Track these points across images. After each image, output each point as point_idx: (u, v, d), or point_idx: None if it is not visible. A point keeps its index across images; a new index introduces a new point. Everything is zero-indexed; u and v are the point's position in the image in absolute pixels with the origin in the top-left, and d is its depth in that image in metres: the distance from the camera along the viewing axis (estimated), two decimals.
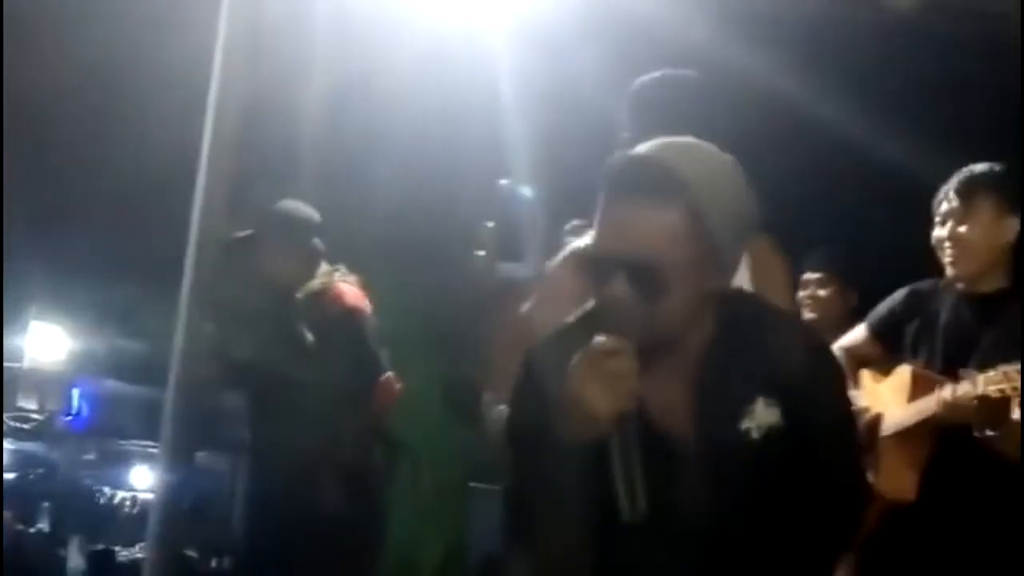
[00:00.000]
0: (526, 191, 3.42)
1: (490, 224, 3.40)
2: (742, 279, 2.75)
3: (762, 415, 2.15)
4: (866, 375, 3.74)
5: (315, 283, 4.84)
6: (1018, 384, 3.15)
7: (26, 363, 8.55)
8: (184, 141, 4.28)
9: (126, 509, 8.62)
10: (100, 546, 8.25)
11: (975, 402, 3.22)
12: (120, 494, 8.69)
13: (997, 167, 3.59)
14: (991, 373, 3.21)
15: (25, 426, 8.27)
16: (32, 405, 8.54)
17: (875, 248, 5.40)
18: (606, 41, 5.06)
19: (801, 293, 4.76)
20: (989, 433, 3.25)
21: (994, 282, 3.58)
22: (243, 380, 4.93)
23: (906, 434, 3.50)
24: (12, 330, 7.93)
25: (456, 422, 6.85)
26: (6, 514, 7.26)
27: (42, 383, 8.60)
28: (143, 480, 8.59)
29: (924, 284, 3.72)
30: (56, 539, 8.28)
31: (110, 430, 9.07)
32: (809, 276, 4.85)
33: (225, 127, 4.18)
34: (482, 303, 3.70)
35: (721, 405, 2.16)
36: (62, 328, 8.85)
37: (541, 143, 3.91)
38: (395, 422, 5.08)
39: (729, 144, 2.24)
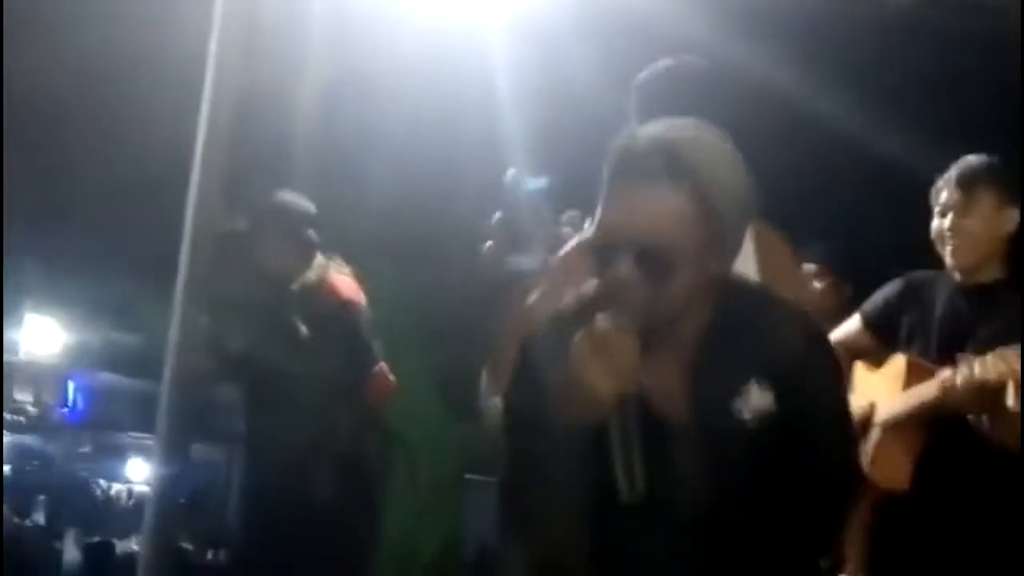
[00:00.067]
0: (534, 182, 3.41)
1: (497, 215, 3.38)
2: (748, 269, 2.75)
3: (756, 400, 2.14)
4: (859, 366, 3.74)
5: (310, 275, 4.84)
6: (1016, 367, 3.14)
7: (21, 356, 8.56)
8: (179, 135, 4.27)
9: (122, 502, 8.63)
10: (96, 538, 8.26)
11: (976, 386, 3.22)
12: (116, 487, 8.71)
13: (995, 159, 3.59)
14: (990, 357, 3.21)
15: (20, 419, 8.28)
16: (27, 398, 8.56)
17: (872, 242, 5.40)
18: (602, 36, 5.04)
19: None
20: (985, 419, 3.25)
21: (991, 273, 3.58)
22: (238, 372, 4.92)
23: (902, 422, 3.50)
24: (7, 323, 7.93)
25: (452, 415, 6.86)
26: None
27: (37, 376, 8.62)
28: (139, 472, 8.62)
29: (919, 274, 3.72)
30: (52, 532, 8.30)
31: (105, 423, 9.11)
32: (804, 269, 4.85)
33: (220, 122, 4.17)
34: (483, 296, 3.68)
35: (716, 389, 2.16)
36: (57, 321, 8.85)
37: (537, 138, 3.90)
38: (391, 415, 5.09)
39: (732, 135, 2.23)
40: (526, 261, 3.31)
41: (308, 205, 4.93)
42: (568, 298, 2.31)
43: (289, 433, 4.63)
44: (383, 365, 4.87)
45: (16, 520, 7.89)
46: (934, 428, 3.45)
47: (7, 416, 8.18)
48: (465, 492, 7.53)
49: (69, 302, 8.68)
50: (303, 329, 4.73)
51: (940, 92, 5.44)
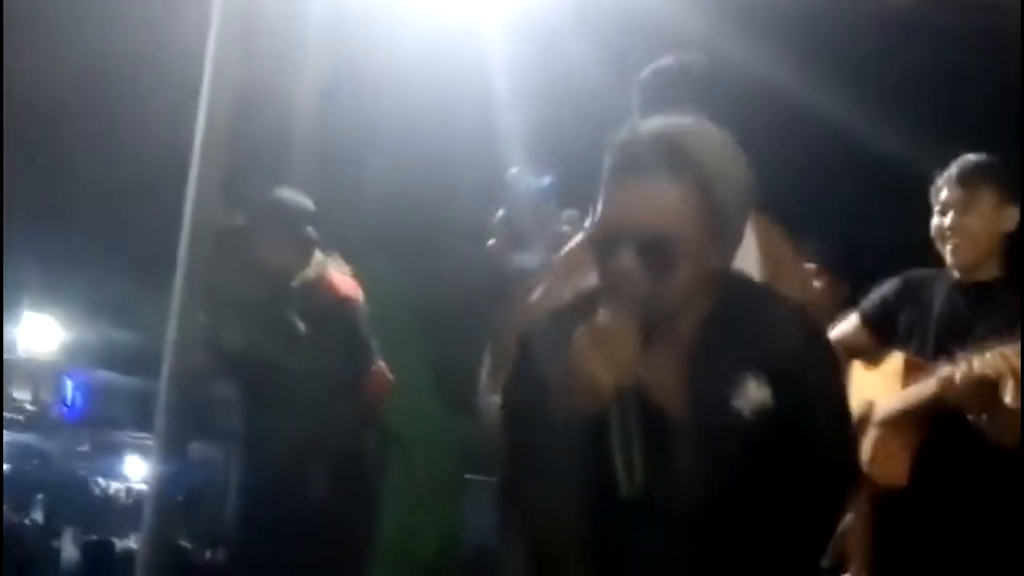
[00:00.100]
0: (537, 180, 3.41)
1: (500, 213, 3.38)
2: (750, 264, 2.74)
3: (753, 394, 2.13)
4: (857, 365, 3.73)
5: (309, 272, 4.83)
6: (1016, 364, 3.14)
7: (20, 354, 8.55)
8: (178, 133, 4.27)
9: (120, 500, 8.62)
10: (95, 537, 8.26)
11: (974, 382, 3.22)
12: (114, 485, 8.70)
13: (996, 158, 3.59)
14: (989, 353, 3.21)
15: (19, 417, 8.26)
16: (26, 396, 8.54)
17: (870, 241, 5.40)
18: (600, 32, 5.04)
19: None
20: (982, 416, 3.25)
21: (990, 271, 3.57)
22: (236, 370, 4.91)
23: (899, 419, 3.49)
24: (6, 321, 7.92)
25: (450, 412, 6.85)
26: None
27: (35, 374, 8.60)
28: (137, 470, 8.60)
29: (916, 273, 3.71)
30: (50, 530, 8.29)
31: (104, 421, 9.09)
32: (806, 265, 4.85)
33: (218, 119, 4.17)
34: (485, 293, 3.69)
35: (713, 383, 2.15)
36: (55, 319, 8.84)
37: (535, 135, 3.90)
38: (389, 412, 5.08)
39: (733, 132, 2.23)
40: (529, 259, 3.31)
41: (306, 202, 4.92)
42: (568, 292, 2.31)
43: (287, 430, 4.63)
44: (381, 363, 4.87)
45: (14, 518, 7.88)
46: (932, 425, 3.45)
47: (5, 414, 8.16)
48: (464, 492, 7.54)
49: (67, 300, 8.66)
50: (301, 326, 4.72)
51: (939, 90, 5.45)
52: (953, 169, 3.57)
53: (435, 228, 6.57)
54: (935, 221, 3.60)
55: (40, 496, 8.25)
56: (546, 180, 3.44)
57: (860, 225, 5.67)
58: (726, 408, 2.13)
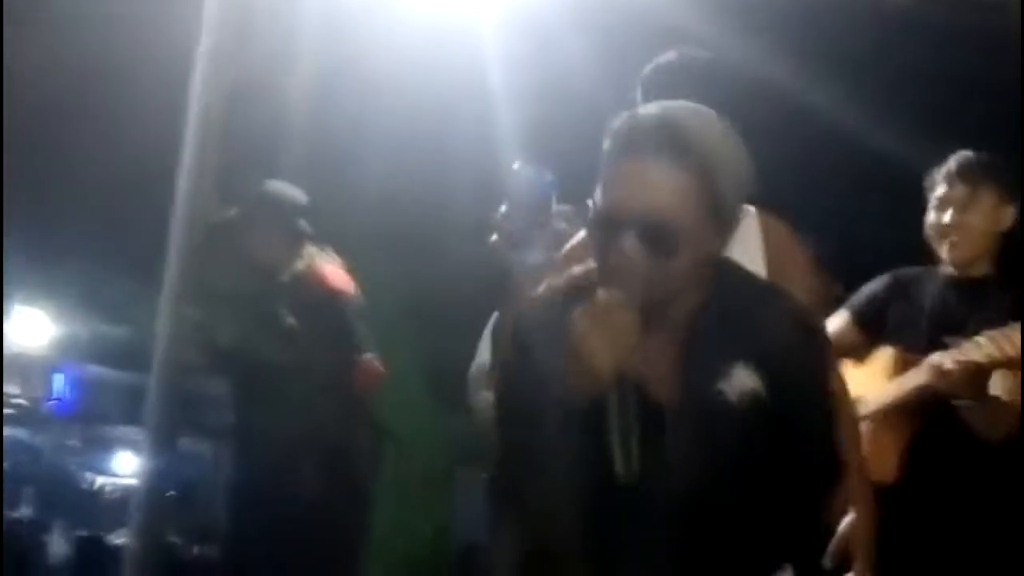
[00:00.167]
0: (542, 175, 3.41)
1: (502, 209, 3.38)
2: (755, 262, 2.74)
3: (743, 383, 2.15)
4: (845, 363, 3.73)
5: (299, 265, 4.82)
6: (1007, 349, 3.15)
7: (10, 348, 8.50)
8: (170, 128, 4.25)
9: (109, 495, 8.58)
10: (85, 532, 8.22)
11: (967, 368, 3.22)
12: (103, 480, 8.65)
13: (997, 156, 3.60)
14: (981, 338, 3.21)
15: (8, 411, 8.22)
16: (15, 390, 8.50)
17: (865, 239, 5.39)
18: (598, 29, 5.03)
19: None
20: (972, 408, 3.26)
21: (982, 268, 3.60)
22: (227, 364, 4.91)
23: (889, 414, 3.49)
24: None
25: (442, 407, 6.85)
26: None
27: (25, 368, 8.55)
28: (127, 466, 8.56)
29: (906, 270, 3.74)
30: (40, 525, 8.25)
31: (94, 416, 9.05)
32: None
33: (210, 114, 4.16)
34: (485, 289, 3.68)
35: (704, 371, 2.17)
36: (45, 313, 8.80)
37: (532, 131, 3.89)
38: (381, 407, 5.07)
39: (734, 128, 2.23)
40: (531, 255, 3.31)
41: (299, 195, 4.91)
42: (565, 276, 2.32)
43: (278, 425, 4.62)
44: (371, 355, 4.85)
45: (4, 513, 7.85)
46: (922, 419, 3.45)
47: None
48: (455, 488, 7.53)
49: (58, 294, 8.64)
50: (292, 320, 4.71)
51: (936, 88, 5.44)
52: (953, 165, 3.57)
53: (429, 225, 6.56)
54: (931, 217, 3.61)
55: (29, 490, 8.22)
56: (549, 176, 3.44)
57: (856, 223, 5.67)
58: (717, 396, 2.14)
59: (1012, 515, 3.40)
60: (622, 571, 2.20)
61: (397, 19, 5.19)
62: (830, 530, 3.31)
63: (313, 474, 4.64)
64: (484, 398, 3.87)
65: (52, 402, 8.88)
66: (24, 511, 8.21)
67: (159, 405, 4.12)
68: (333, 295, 4.83)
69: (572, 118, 4.22)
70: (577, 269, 2.32)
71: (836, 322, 3.77)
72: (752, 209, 2.90)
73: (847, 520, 3.32)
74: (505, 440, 2.32)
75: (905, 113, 5.20)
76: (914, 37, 5.21)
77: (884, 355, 3.59)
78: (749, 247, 2.77)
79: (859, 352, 3.69)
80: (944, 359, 3.29)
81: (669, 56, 3.07)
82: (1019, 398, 3.30)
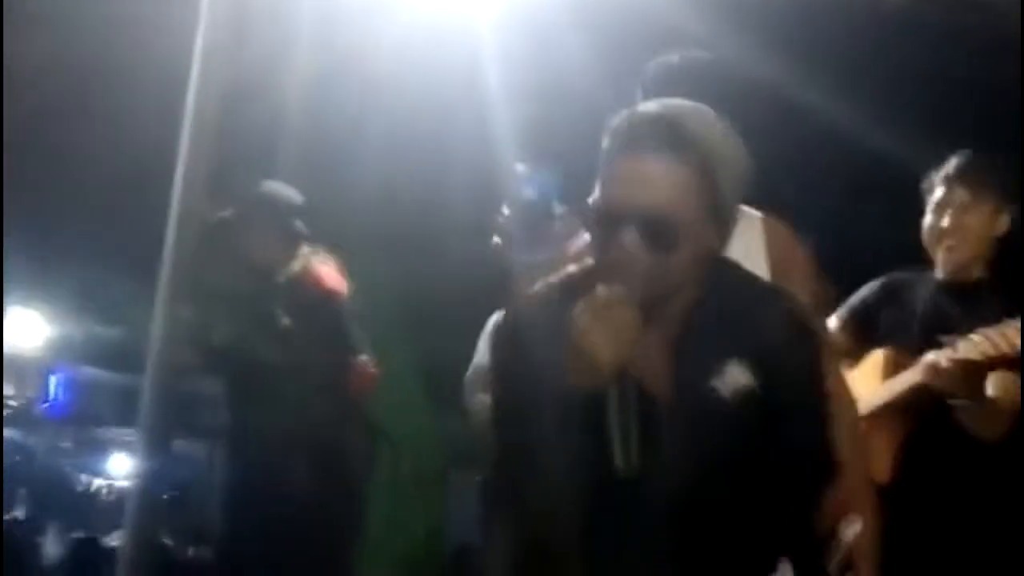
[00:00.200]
0: (545, 176, 3.42)
1: (506, 210, 3.38)
2: (757, 263, 2.74)
3: (735, 378, 2.16)
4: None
5: (295, 265, 4.82)
6: (1003, 347, 3.15)
7: (4, 349, 8.50)
8: (165, 128, 4.24)
9: (103, 497, 8.58)
10: (78, 534, 8.22)
11: (961, 366, 3.22)
12: (97, 481, 8.66)
13: (997, 158, 3.60)
14: (975, 336, 3.21)
15: (3, 412, 8.22)
16: (9, 391, 8.49)
17: (864, 239, 5.39)
18: (596, 28, 5.03)
19: None
20: (966, 408, 3.25)
21: (976, 272, 3.59)
22: (221, 364, 4.89)
23: (882, 414, 3.48)
24: None
25: (437, 408, 6.84)
26: None
27: (20, 370, 8.55)
28: (120, 467, 8.56)
29: (898, 274, 3.74)
30: (34, 526, 8.25)
31: (87, 417, 9.06)
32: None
33: (205, 113, 4.14)
34: (487, 289, 3.68)
35: (696, 365, 2.18)
36: (40, 314, 8.80)
37: (530, 132, 3.89)
38: (375, 407, 5.06)
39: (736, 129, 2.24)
40: (534, 256, 3.30)
41: (295, 195, 4.91)
42: (562, 273, 2.32)
43: (272, 426, 4.61)
44: (366, 358, 4.85)
45: None
46: (915, 419, 3.45)
47: None
48: (448, 490, 7.53)
49: (52, 296, 8.64)
50: (287, 320, 4.70)
51: (934, 89, 5.44)
52: (952, 169, 3.57)
53: (427, 225, 6.56)
54: (929, 220, 3.60)
55: (23, 492, 8.21)
56: (552, 178, 3.44)
57: (853, 224, 5.67)
58: (710, 393, 2.15)
59: (1007, 515, 3.39)
60: (618, 566, 2.20)
61: (395, 18, 5.18)
62: (832, 533, 3.29)
63: (307, 475, 4.63)
64: (481, 400, 3.86)
65: (46, 403, 8.88)
66: (18, 512, 8.21)
67: (153, 407, 4.10)
68: (328, 296, 4.82)
69: (571, 118, 4.22)
70: (574, 266, 2.33)
71: (828, 327, 3.76)
72: (756, 213, 2.90)
73: (851, 529, 3.30)
74: (503, 438, 2.32)
75: (903, 114, 5.20)
76: (911, 38, 5.21)
77: (876, 356, 3.58)
78: (751, 249, 2.77)
79: (851, 357, 3.68)
80: (940, 357, 3.29)
81: (671, 57, 3.07)
82: (1014, 398, 3.30)
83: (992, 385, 3.28)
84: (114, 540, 7.49)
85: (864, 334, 3.67)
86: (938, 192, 3.59)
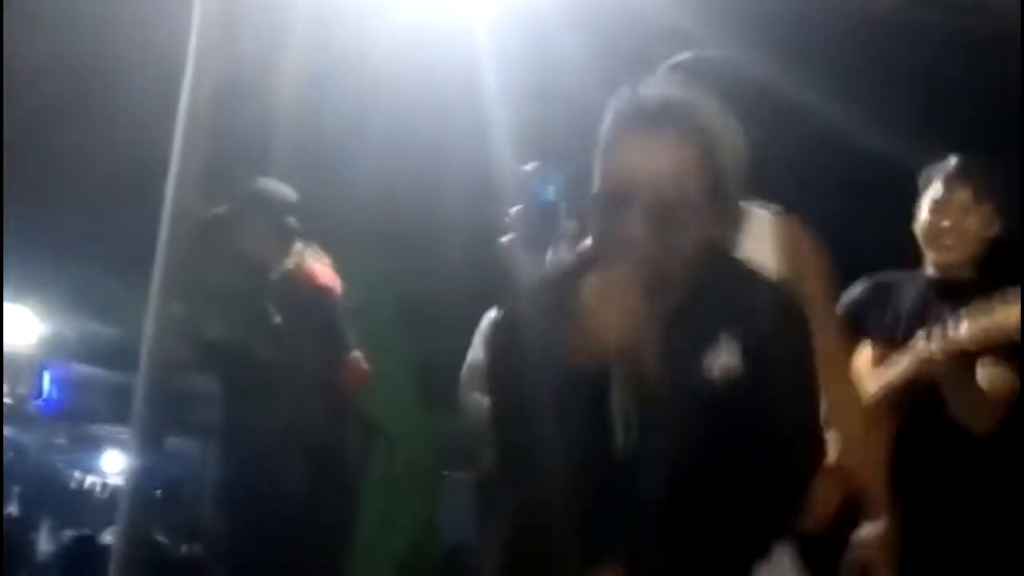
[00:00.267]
0: (554, 174, 3.42)
1: (514, 209, 3.38)
2: (765, 259, 2.73)
3: (724, 360, 2.15)
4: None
5: (289, 262, 4.82)
6: (992, 331, 3.15)
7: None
8: (161, 127, 4.24)
9: (97, 494, 8.58)
10: (73, 531, 8.21)
11: (952, 351, 3.23)
12: (90, 479, 8.65)
13: (996, 160, 3.60)
14: (966, 322, 3.22)
15: (1, 409, 8.21)
16: (2, 388, 8.48)
17: (861, 239, 5.39)
18: (593, 28, 5.02)
19: None
20: (955, 396, 3.26)
21: (966, 271, 3.59)
22: (214, 361, 4.90)
23: (873, 407, 3.48)
24: None
25: (430, 405, 6.84)
26: None
27: (12, 367, 8.53)
28: (114, 465, 8.54)
29: (885, 275, 3.74)
30: (27, 523, 8.23)
31: (81, 414, 9.05)
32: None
33: (199, 111, 4.15)
34: (478, 289, 3.67)
35: (687, 347, 2.17)
36: (33, 311, 8.78)
37: (527, 131, 3.89)
38: (369, 405, 5.06)
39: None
40: (546, 254, 3.30)
41: (289, 192, 4.91)
42: (567, 256, 2.31)
43: (265, 423, 4.61)
44: (358, 354, 4.85)
45: None
46: (905, 413, 3.44)
47: None
48: (442, 487, 7.53)
49: (46, 292, 8.63)
50: (277, 317, 4.70)
51: (933, 89, 5.44)
52: (953, 169, 3.57)
53: (422, 224, 6.55)
54: (927, 218, 3.60)
55: (16, 489, 8.21)
56: (561, 176, 3.44)
57: (850, 224, 5.66)
58: (699, 374, 2.14)
59: (997, 508, 3.40)
60: (614, 548, 2.18)
61: (391, 17, 5.18)
62: (845, 531, 3.27)
63: (300, 472, 4.63)
64: (475, 399, 3.85)
65: (39, 400, 8.87)
66: (11, 509, 8.20)
67: (146, 404, 4.11)
68: (319, 291, 4.83)
69: (568, 117, 4.21)
70: (573, 254, 2.31)
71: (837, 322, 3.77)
72: (768, 211, 2.89)
73: (866, 530, 3.29)
74: (503, 424, 2.32)
75: (902, 114, 5.20)
76: (910, 38, 5.21)
77: (863, 352, 3.58)
78: (760, 247, 2.75)
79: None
80: (930, 345, 3.29)
81: (683, 56, 3.06)
82: (1004, 390, 3.30)
83: (982, 377, 3.28)
84: (107, 537, 7.48)
85: (853, 334, 3.67)
86: (938, 191, 3.59)
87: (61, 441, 8.68)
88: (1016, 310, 3.17)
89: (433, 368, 6.13)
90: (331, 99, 5.90)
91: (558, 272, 2.32)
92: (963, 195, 3.55)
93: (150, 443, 4.17)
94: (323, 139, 6.05)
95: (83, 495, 8.42)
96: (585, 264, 2.20)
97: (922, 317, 3.51)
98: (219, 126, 4.21)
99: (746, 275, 2.31)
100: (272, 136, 5.81)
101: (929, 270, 3.62)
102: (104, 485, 8.39)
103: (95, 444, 8.70)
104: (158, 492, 6.82)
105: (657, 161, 2.11)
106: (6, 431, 8.19)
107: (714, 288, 2.20)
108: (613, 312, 2.08)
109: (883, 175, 4.89)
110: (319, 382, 4.70)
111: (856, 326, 3.64)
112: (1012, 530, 3.39)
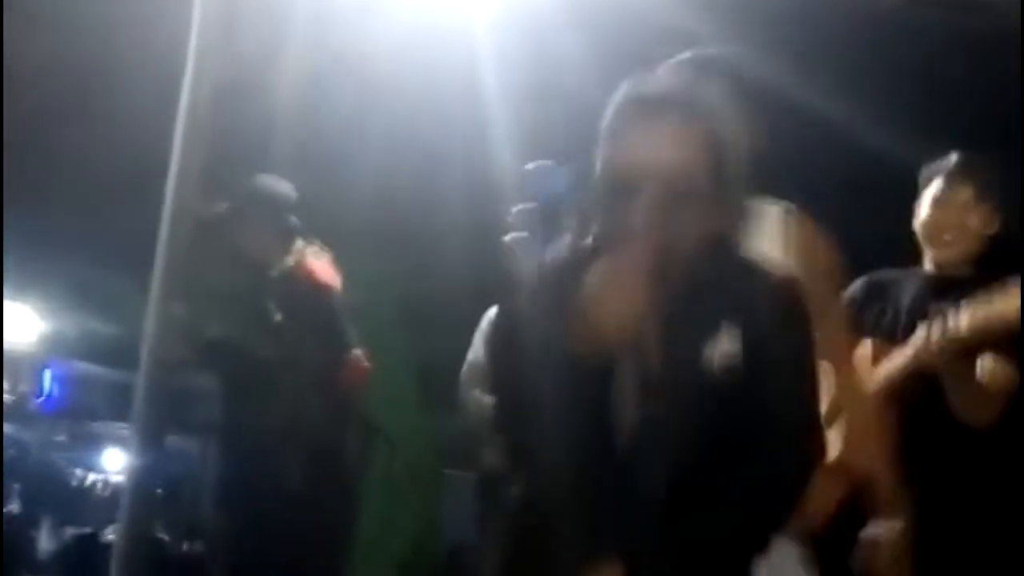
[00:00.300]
0: (562, 173, 3.42)
1: (520, 207, 3.38)
2: (777, 256, 2.73)
3: (724, 348, 2.15)
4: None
5: (289, 260, 4.81)
6: (991, 322, 3.15)
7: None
8: (162, 125, 4.24)
9: (97, 491, 8.56)
10: (75, 528, 8.20)
11: (952, 341, 3.23)
12: (91, 476, 8.64)
13: (996, 158, 3.61)
14: (965, 312, 3.22)
15: (1, 407, 8.19)
16: (3, 386, 8.46)
17: (861, 239, 5.39)
18: (592, 28, 5.02)
19: None
20: (955, 388, 3.26)
21: (965, 269, 3.61)
22: (215, 360, 4.90)
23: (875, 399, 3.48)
24: None
25: (431, 405, 6.83)
26: None
27: (13, 364, 8.51)
28: (115, 462, 8.52)
29: (882, 273, 3.75)
30: (28, 521, 8.22)
31: (81, 412, 9.03)
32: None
33: (199, 111, 4.15)
34: (477, 288, 3.68)
35: (687, 337, 2.17)
36: (34, 309, 8.77)
37: (526, 130, 3.89)
38: (372, 406, 5.06)
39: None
40: (553, 250, 3.30)
41: (290, 190, 4.91)
42: (572, 244, 2.31)
43: (265, 421, 4.61)
44: (359, 353, 4.85)
45: None
46: (906, 406, 3.44)
47: None
48: (442, 487, 7.52)
49: (46, 290, 8.62)
50: (279, 315, 4.70)
51: (934, 89, 5.44)
52: (957, 166, 3.57)
53: (422, 223, 6.54)
54: (928, 214, 3.61)
55: (17, 486, 8.21)
56: (567, 173, 3.44)
57: (850, 223, 5.66)
58: (699, 364, 2.14)
59: (997, 500, 3.42)
60: (614, 538, 2.17)
61: (391, 17, 5.18)
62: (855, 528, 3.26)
63: (301, 470, 4.63)
64: (476, 397, 3.86)
65: (40, 398, 8.85)
66: (12, 507, 8.18)
67: (147, 402, 4.11)
68: (319, 288, 4.82)
69: (568, 117, 4.22)
70: (575, 246, 2.33)
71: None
72: (777, 207, 2.89)
73: (876, 529, 3.28)
74: (504, 419, 2.33)
75: (902, 113, 5.20)
76: (911, 37, 5.21)
77: (863, 347, 3.58)
78: (772, 243, 2.75)
79: None
80: (928, 335, 3.29)
81: (686, 55, 3.06)
82: (1003, 382, 3.31)
83: (982, 369, 3.29)
84: (108, 535, 7.48)
85: (853, 332, 3.67)
86: (939, 187, 3.60)
87: (62, 439, 8.66)
88: (1016, 302, 3.17)
89: (433, 368, 6.13)
90: (331, 99, 5.90)
91: (560, 262, 2.31)
92: (964, 192, 3.55)
93: (151, 441, 4.16)
94: (323, 139, 6.05)
95: (84, 493, 8.41)
96: (589, 253, 2.20)
97: (921, 314, 3.52)
98: (219, 126, 4.21)
99: (749, 267, 2.31)
100: (272, 136, 5.81)
101: (928, 267, 3.63)
102: (105, 483, 8.37)
103: (96, 442, 8.68)
104: (159, 490, 6.81)
105: (663, 149, 2.12)
106: (7, 429, 8.17)
107: (717, 278, 2.20)
108: (617, 301, 2.08)
109: (883, 173, 4.89)
110: (320, 380, 4.70)
111: (855, 324, 3.64)
112: (1012, 522, 3.39)
